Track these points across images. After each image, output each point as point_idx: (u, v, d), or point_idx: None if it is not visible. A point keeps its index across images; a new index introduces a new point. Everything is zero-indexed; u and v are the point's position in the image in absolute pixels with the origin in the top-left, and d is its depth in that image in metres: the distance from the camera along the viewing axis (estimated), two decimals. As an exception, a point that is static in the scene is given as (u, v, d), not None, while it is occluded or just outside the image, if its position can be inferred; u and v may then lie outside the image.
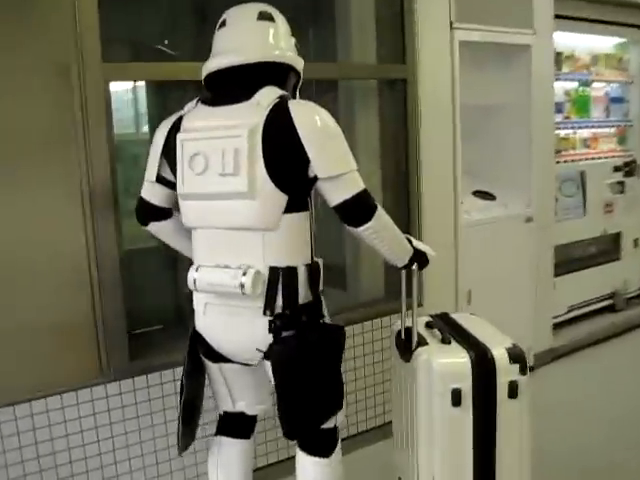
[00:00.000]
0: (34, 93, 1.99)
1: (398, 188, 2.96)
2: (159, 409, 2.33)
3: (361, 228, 1.69)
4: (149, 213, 1.89)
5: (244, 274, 1.63)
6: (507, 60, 3.45)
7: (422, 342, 2.12)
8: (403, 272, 2.11)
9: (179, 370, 2.30)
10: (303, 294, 1.71)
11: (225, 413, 1.98)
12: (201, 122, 1.73)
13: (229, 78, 1.71)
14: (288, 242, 1.69)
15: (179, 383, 2.30)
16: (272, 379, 1.73)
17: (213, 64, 1.73)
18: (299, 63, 1.79)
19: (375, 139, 2.97)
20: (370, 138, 2.97)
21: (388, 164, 2.98)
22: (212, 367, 1.87)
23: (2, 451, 2.06)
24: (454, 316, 2.39)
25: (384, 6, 2.84)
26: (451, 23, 3.02)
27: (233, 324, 1.74)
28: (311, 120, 1.64)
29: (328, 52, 2.99)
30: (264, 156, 1.62)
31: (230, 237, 1.71)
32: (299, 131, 1.61)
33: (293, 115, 1.62)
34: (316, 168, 1.64)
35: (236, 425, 1.98)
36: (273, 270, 1.67)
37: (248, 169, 1.61)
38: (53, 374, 2.11)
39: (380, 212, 1.71)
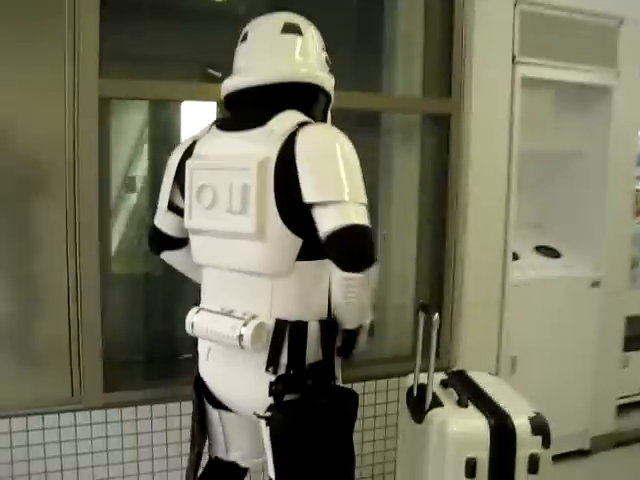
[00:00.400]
0: (27, 106, 1.99)
1: (437, 236, 2.75)
2: (132, 446, 2.23)
3: (361, 274, 1.41)
4: (161, 242, 1.80)
5: (245, 325, 1.47)
6: (584, 102, 3.14)
7: (436, 402, 2.02)
8: (422, 318, 2.08)
9: (157, 408, 2.24)
10: (313, 353, 1.52)
11: (216, 459, 1.83)
12: (212, 149, 1.62)
13: (248, 99, 1.59)
14: (300, 292, 1.51)
15: (154, 422, 2.24)
16: (269, 449, 1.54)
17: (230, 84, 1.61)
18: (327, 82, 1.62)
19: (414, 180, 2.77)
20: (409, 179, 2.78)
21: (427, 209, 2.77)
22: (212, 412, 1.73)
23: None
24: (472, 375, 2.27)
25: (434, 33, 2.67)
26: (514, 57, 2.79)
27: (234, 377, 1.60)
28: (311, 141, 1.46)
29: (372, 81, 2.84)
30: (276, 193, 1.46)
31: (237, 280, 1.57)
32: (296, 155, 1.44)
33: (297, 140, 1.45)
34: (304, 191, 1.43)
35: (225, 474, 1.83)
36: (279, 323, 1.50)
37: (257, 208, 1.46)
38: (20, 394, 2.07)
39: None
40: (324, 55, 1.65)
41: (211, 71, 2.86)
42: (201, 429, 1.75)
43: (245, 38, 1.63)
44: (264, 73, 1.56)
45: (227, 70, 1.67)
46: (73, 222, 2.06)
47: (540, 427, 1.90)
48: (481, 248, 2.80)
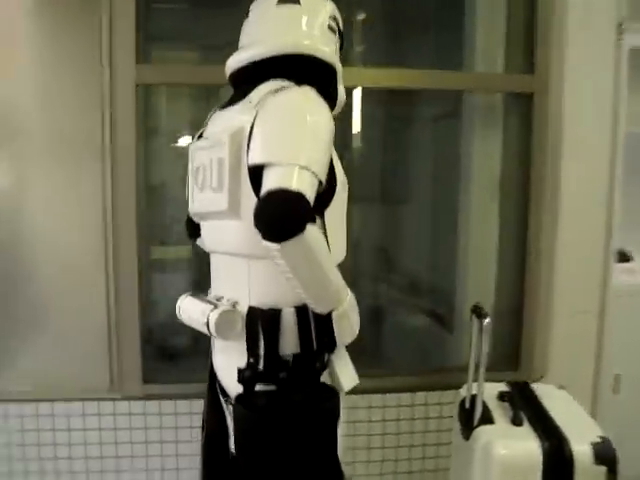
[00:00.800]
0: (64, 91, 2.06)
1: (521, 231, 2.48)
2: (172, 439, 2.24)
3: (277, 246, 1.22)
4: (191, 228, 1.78)
5: (212, 311, 1.41)
6: None
7: (487, 418, 1.87)
8: (475, 323, 1.90)
9: (196, 403, 2.23)
10: (290, 343, 1.41)
11: (232, 454, 1.71)
12: (209, 129, 1.60)
13: (246, 76, 1.53)
14: (276, 276, 1.36)
15: (193, 417, 2.23)
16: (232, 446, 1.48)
17: (232, 62, 1.56)
18: (323, 52, 1.49)
19: (496, 167, 2.52)
20: (490, 166, 2.53)
21: (510, 200, 2.51)
22: (223, 404, 1.65)
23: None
24: (536, 388, 2.08)
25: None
26: (619, 24, 2.43)
27: (226, 365, 1.53)
28: (274, 103, 1.36)
29: (451, 59, 2.63)
30: (249, 166, 1.37)
31: (226, 264, 1.53)
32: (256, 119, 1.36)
33: (264, 105, 1.37)
34: (250, 153, 1.34)
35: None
36: (252, 311, 1.42)
37: (229, 182, 1.39)
38: (62, 379, 2.16)
39: (311, 232, 1.25)
40: (328, 24, 1.53)
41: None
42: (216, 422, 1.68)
43: (247, 16, 1.58)
44: (257, 48, 1.50)
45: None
46: (111, 210, 2.11)
47: (605, 455, 1.68)
48: (577, 246, 2.48)
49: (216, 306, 1.43)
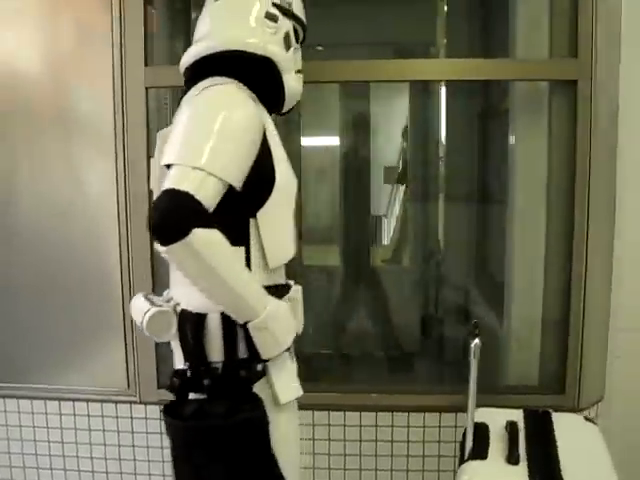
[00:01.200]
0: (78, 95, 2.18)
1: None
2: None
3: (163, 248, 1.22)
4: None
5: (147, 312, 1.42)
6: None
7: (479, 452, 1.68)
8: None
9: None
10: (216, 350, 1.40)
11: None
12: None
13: (190, 75, 1.54)
14: None
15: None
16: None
17: (182, 60, 1.56)
18: (255, 46, 1.45)
19: (542, 165, 2.25)
20: (535, 164, 2.26)
21: (559, 202, 2.23)
22: None
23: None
24: (557, 419, 1.85)
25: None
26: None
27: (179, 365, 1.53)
28: (190, 103, 1.39)
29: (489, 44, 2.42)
30: None
31: (172, 266, 1.54)
32: None
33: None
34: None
35: None
36: (183, 314, 1.43)
37: (159, 179, 1.41)
38: (82, 380, 2.28)
39: (203, 237, 1.22)
40: (266, 12, 1.48)
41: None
42: None
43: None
44: (198, 46, 1.50)
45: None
46: (125, 211, 2.18)
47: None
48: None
49: (149, 308, 1.42)
